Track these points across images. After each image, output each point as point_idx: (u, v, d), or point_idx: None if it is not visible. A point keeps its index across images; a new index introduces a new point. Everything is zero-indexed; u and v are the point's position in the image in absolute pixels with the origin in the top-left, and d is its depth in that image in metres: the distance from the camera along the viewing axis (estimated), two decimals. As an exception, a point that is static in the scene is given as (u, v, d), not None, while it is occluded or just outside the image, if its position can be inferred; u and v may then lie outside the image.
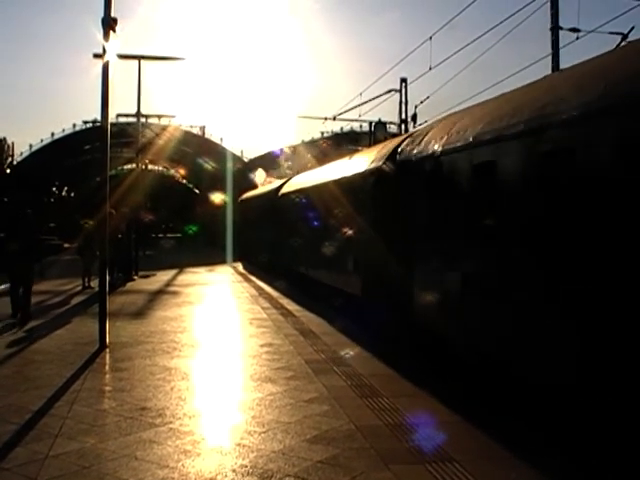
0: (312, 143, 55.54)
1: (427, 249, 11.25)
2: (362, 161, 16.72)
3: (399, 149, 13.36)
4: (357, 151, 17.98)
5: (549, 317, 7.39)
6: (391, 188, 13.22)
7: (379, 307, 13.19)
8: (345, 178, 17.58)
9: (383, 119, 35.78)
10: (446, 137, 10.62)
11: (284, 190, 26.64)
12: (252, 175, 51.79)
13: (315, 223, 20.54)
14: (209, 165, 64.22)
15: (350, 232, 16.58)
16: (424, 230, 11.43)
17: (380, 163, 14.36)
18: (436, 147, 10.91)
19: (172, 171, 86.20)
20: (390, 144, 15.17)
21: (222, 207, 47.10)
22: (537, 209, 7.72)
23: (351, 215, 16.26)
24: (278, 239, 26.52)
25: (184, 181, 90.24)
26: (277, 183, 31.68)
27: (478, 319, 9.04)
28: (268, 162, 58.27)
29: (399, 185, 12.79)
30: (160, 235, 66.35)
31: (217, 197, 53.13)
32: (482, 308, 8.94)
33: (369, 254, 14.51)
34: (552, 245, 7.38)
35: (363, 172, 15.82)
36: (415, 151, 12.10)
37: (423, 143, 11.76)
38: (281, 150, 59.82)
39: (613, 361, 6.35)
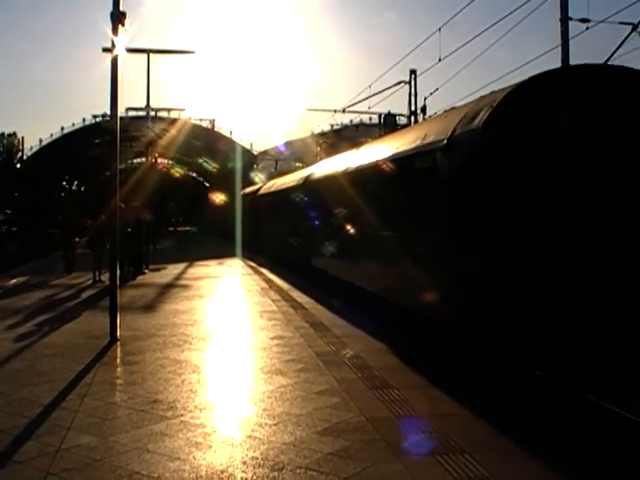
0: (320, 136, 55.38)
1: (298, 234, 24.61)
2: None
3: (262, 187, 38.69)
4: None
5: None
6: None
7: (302, 261, 23.47)
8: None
9: (393, 111, 35.62)
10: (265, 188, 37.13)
11: (260, 192, 38.59)
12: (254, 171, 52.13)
13: (265, 217, 34.68)
14: (218, 158, 64.25)
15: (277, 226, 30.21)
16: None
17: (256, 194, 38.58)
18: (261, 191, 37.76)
19: (182, 165, 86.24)
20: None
21: (231, 200, 47.16)
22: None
23: (274, 216, 31.20)
24: (263, 229, 36.01)
25: (194, 174, 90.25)
26: (258, 185, 44.09)
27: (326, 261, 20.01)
28: (276, 155, 58.43)
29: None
30: (170, 228, 66.42)
31: (226, 191, 53.20)
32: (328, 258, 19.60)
33: (290, 237, 25.86)
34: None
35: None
36: (259, 192, 38.14)
37: (262, 188, 38.55)
38: (285, 145, 59.85)
39: None
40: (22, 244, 44.02)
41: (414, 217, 11.63)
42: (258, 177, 53.25)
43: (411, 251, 11.70)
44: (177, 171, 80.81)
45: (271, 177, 45.19)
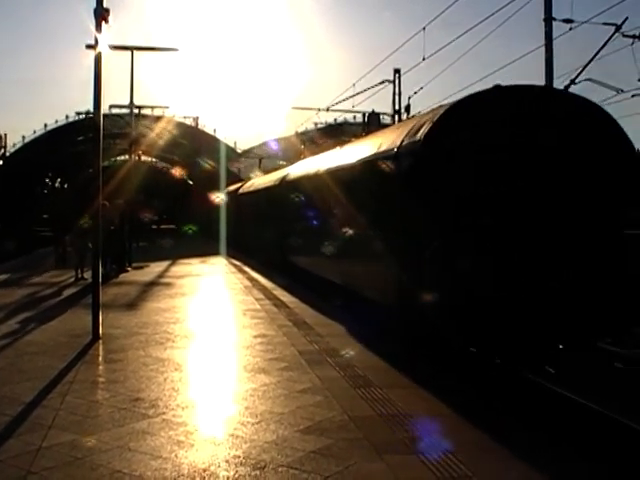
0: (305, 134, 55.31)
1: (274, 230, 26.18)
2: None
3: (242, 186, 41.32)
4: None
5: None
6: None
7: (282, 258, 24.29)
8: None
9: (377, 110, 35.56)
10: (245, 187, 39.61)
11: (241, 191, 40.37)
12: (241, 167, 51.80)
13: (247, 216, 35.45)
14: (202, 156, 64.08)
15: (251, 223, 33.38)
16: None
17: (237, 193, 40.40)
18: (241, 190, 39.67)
19: (165, 163, 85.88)
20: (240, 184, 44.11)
21: (215, 198, 47.02)
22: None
23: (256, 215, 32.03)
24: (245, 227, 36.97)
25: (177, 172, 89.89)
26: (239, 184, 45.38)
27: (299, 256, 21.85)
28: (261, 153, 58.27)
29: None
30: (154, 226, 66.06)
31: (210, 189, 53.02)
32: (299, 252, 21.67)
33: (270, 235, 26.94)
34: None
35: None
36: (240, 190, 39.93)
37: (243, 187, 40.20)
38: (275, 141, 59.72)
39: None
40: (4, 241, 43.65)
41: (372, 219, 13.02)
42: (257, 175, 53.07)
43: (371, 249, 13.04)
44: (161, 169, 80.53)
45: (266, 173, 45.11)
